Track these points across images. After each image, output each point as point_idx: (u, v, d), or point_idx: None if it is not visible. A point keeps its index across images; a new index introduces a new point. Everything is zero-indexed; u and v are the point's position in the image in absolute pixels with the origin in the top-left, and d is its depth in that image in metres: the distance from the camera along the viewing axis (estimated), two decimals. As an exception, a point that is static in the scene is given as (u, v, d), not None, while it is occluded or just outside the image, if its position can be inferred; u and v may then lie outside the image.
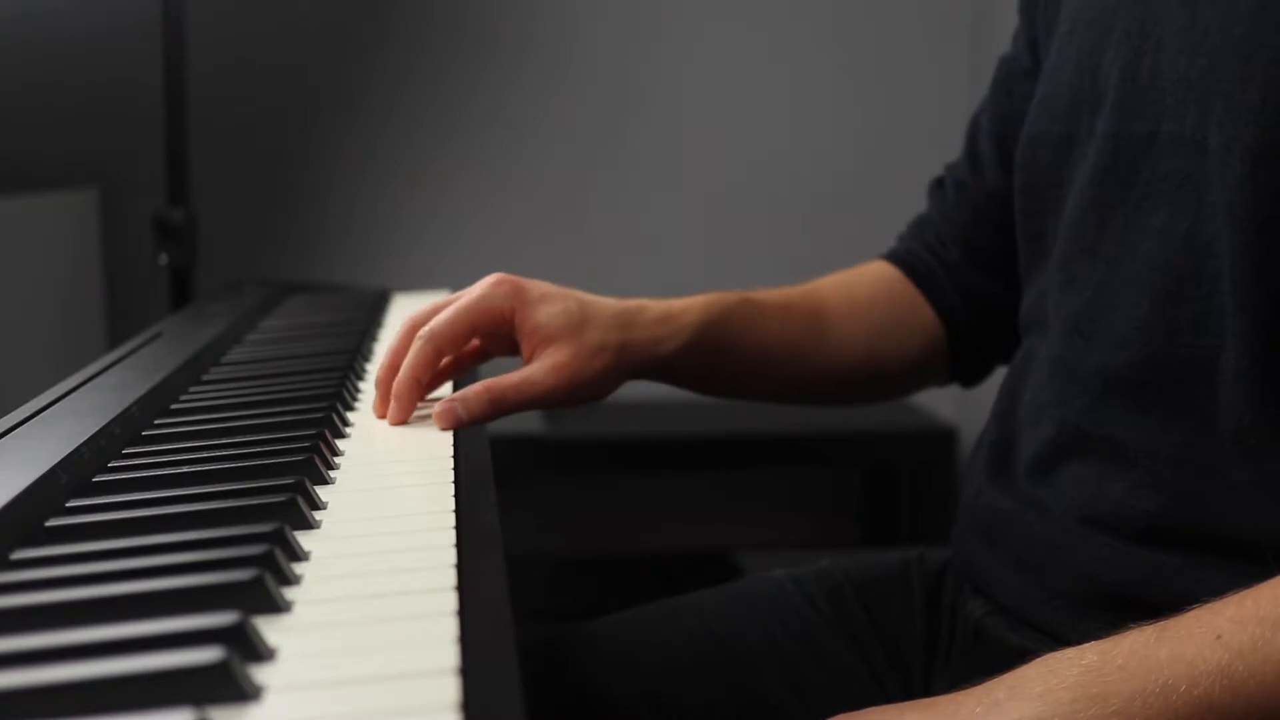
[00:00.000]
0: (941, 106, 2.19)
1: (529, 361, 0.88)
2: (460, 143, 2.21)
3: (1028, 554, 0.83)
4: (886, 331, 1.02)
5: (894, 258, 1.05)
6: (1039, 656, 0.67)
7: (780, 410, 2.21)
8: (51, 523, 0.62)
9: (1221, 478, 0.74)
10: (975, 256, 1.01)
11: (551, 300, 0.87)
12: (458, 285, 0.94)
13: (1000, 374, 0.95)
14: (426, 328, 0.86)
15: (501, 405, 0.84)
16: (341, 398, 0.88)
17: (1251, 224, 0.72)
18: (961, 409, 2.18)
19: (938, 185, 1.05)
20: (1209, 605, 0.64)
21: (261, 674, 0.47)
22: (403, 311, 1.27)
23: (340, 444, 0.79)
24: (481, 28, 2.19)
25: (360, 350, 1.05)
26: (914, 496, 2.20)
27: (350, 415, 0.87)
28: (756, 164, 2.27)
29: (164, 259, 1.64)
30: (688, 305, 0.93)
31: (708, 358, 0.94)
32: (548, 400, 0.87)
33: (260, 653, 0.48)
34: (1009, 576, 0.84)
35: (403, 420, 0.84)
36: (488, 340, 0.90)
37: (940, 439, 2.13)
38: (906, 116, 2.26)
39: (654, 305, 0.92)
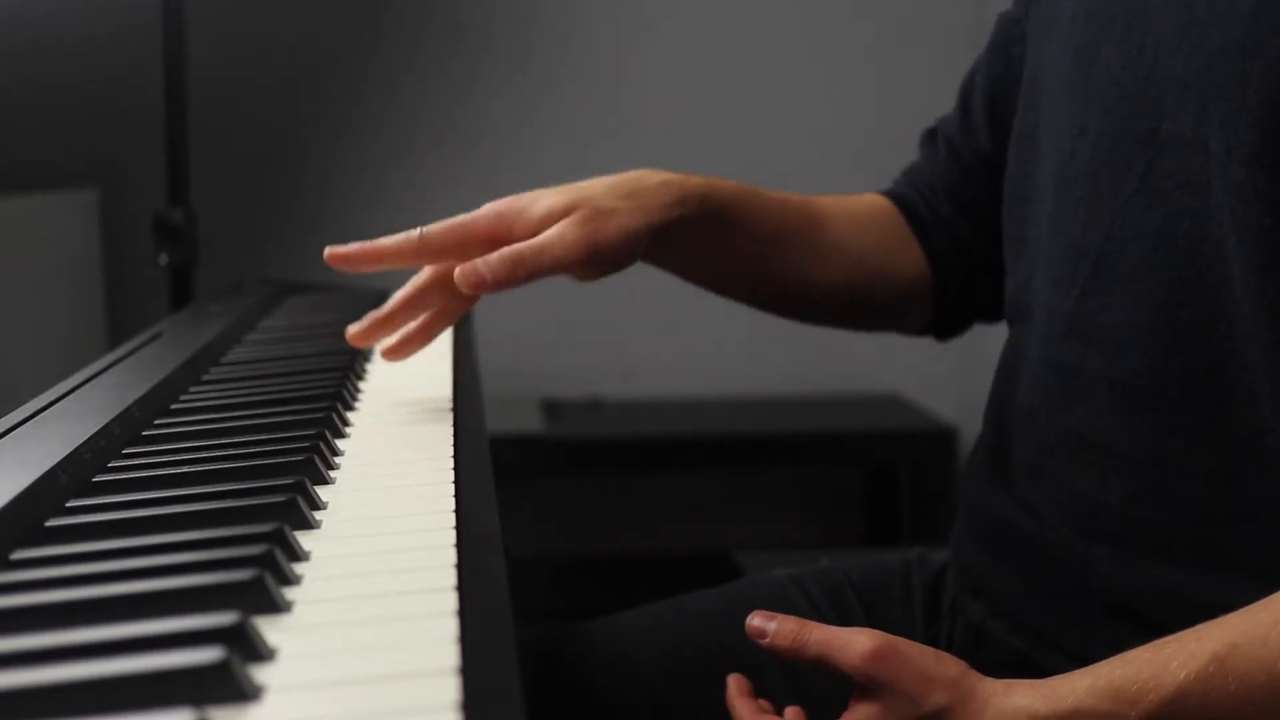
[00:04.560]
0: (940, 96, 2.18)
1: None
2: (458, 143, 2.21)
3: (1027, 563, 0.82)
4: (879, 249, 1.00)
5: (890, 195, 1.04)
6: (1035, 660, 0.66)
7: (780, 410, 2.24)
8: (51, 523, 0.62)
9: (1234, 487, 0.73)
10: (964, 210, 1.00)
11: (543, 195, 0.86)
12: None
13: (992, 375, 0.95)
14: (418, 231, 0.85)
15: (520, 268, 0.81)
16: (341, 398, 0.88)
17: (1256, 230, 0.70)
18: (962, 409, 2.18)
19: (930, 137, 1.04)
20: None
21: (261, 674, 0.47)
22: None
23: (340, 444, 0.79)
24: (478, 29, 2.19)
25: (360, 350, 1.05)
26: (914, 496, 2.19)
27: (350, 415, 0.87)
28: (751, 159, 2.26)
29: (164, 259, 1.64)
30: (687, 176, 0.92)
31: (708, 230, 0.92)
32: (566, 262, 0.83)
33: (260, 653, 0.48)
34: (1009, 584, 0.84)
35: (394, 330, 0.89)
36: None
37: (940, 439, 2.13)
38: (904, 108, 2.25)
39: (651, 174, 0.91)
